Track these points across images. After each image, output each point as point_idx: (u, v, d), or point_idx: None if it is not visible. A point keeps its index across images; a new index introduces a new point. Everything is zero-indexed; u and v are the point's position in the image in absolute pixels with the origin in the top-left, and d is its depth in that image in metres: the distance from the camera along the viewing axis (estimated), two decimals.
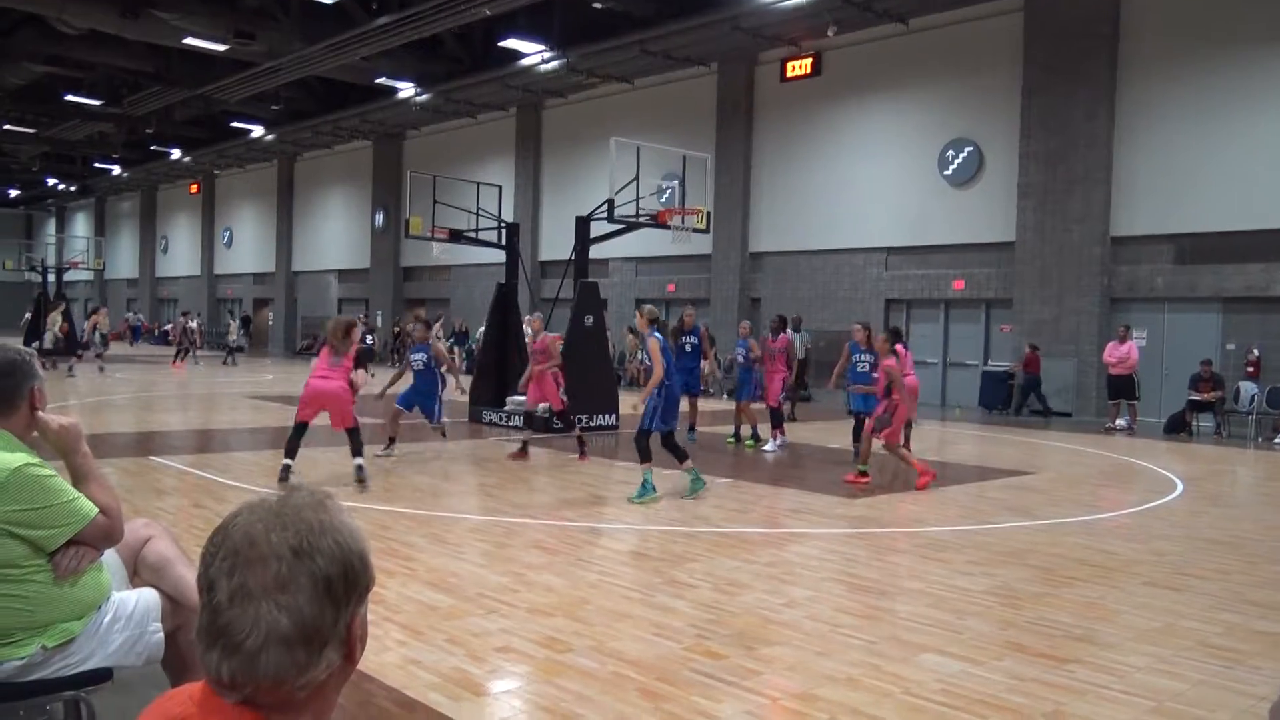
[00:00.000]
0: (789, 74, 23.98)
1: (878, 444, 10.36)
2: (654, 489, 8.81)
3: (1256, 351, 16.90)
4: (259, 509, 1.23)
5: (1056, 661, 4.73)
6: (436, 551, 6.69)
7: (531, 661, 4.56)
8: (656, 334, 9.02)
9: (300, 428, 9.22)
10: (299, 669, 1.16)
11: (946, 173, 21.16)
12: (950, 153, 21.07)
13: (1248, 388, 16.68)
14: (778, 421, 13.07)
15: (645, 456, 8.88)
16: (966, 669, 4.58)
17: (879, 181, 22.28)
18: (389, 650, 4.59)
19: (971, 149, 20.74)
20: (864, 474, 10.18)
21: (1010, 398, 19.53)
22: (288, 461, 9.19)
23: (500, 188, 19.67)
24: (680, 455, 9.04)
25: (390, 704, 3.93)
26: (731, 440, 13.62)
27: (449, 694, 4.09)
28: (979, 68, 20.62)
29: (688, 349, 13.15)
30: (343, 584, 1.19)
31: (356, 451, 9.16)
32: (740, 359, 13.54)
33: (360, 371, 9.91)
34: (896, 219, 21.96)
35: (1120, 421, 16.95)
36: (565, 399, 11.88)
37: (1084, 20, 18.79)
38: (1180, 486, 10.72)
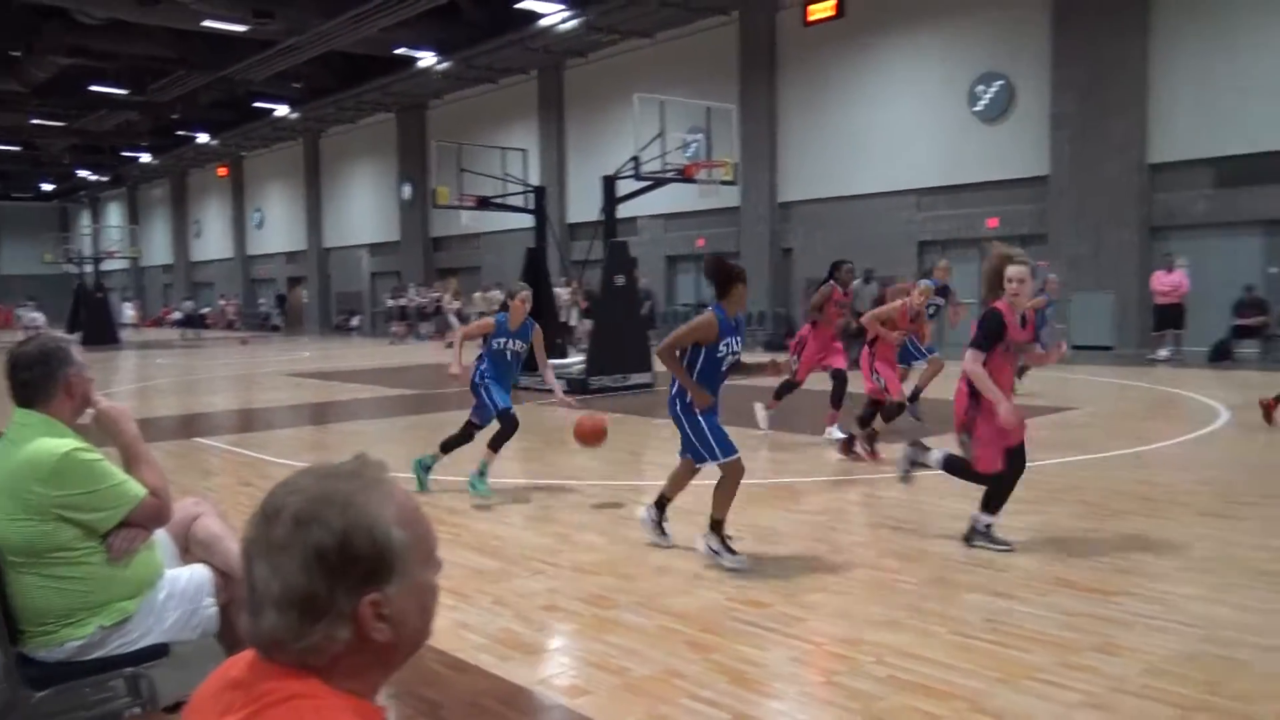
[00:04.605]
0: (811, 17, 23.58)
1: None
2: None
3: None
4: (305, 473, 1.28)
5: (1105, 595, 4.71)
6: (480, 517, 6.77)
7: (578, 619, 4.61)
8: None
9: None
10: (293, 634, 1.20)
11: (976, 109, 20.77)
12: (980, 88, 20.67)
13: None
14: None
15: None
16: (1013, 606, 4.57)
17: (907, 122, 21.92)
18: (439, 615, 4.65)
19: (1002, 83, 20.32)
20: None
21: None
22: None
23: (525, 152, 19.62)
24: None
25: (441, 666, 3.99)
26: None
27: (498, 654, 4.15)
28: None
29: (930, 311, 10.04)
30: (337, 558, 1.19)
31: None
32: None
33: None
34: (927, 159, 21.62)
35: (1163, 352, 16.70)
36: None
37: None
38: (1227, 414, 10.56)
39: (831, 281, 9.56)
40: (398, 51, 28.03)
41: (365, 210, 39.99)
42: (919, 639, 4.18)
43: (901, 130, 22.03)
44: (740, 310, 5.51)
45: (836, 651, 4.11)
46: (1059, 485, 7.23)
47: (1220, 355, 16.47)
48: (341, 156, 41.12)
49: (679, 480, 5.75)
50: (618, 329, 14.49)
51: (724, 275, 5.47)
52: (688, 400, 5.41)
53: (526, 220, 17.80)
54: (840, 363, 9.62)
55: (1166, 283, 16.68)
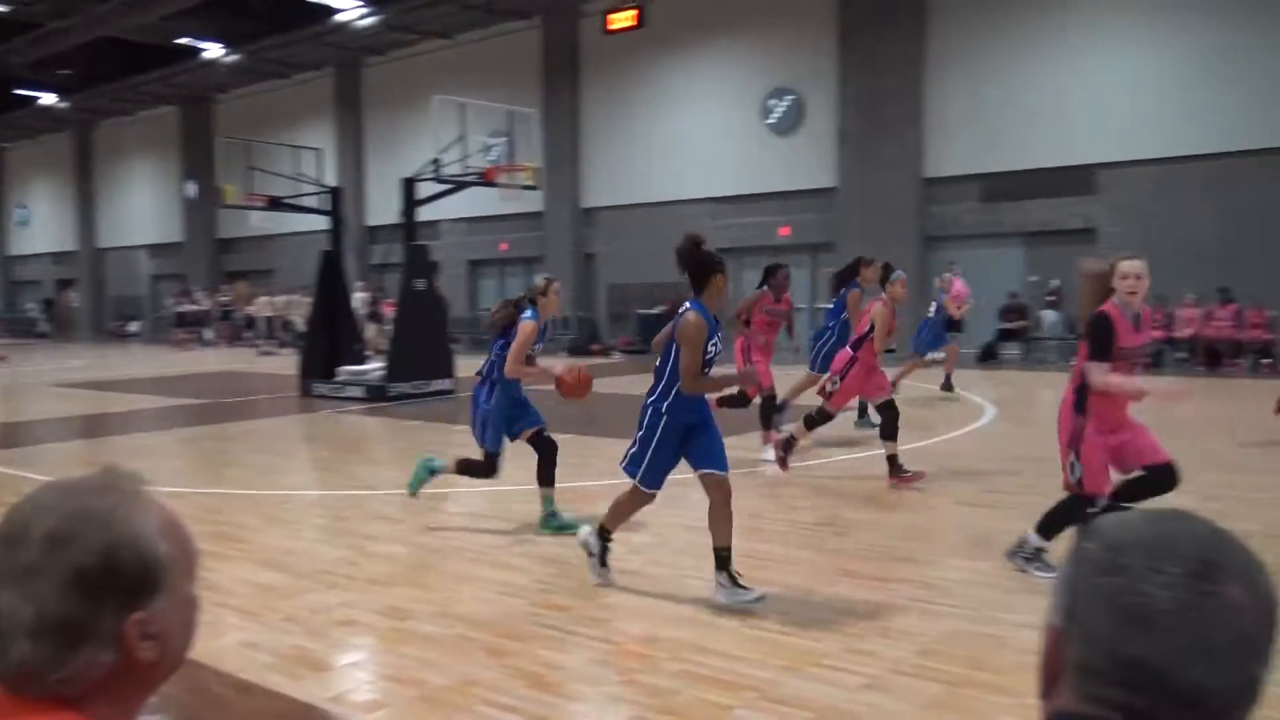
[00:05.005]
0: (612, 26, 23.92)
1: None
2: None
3: (1057, 282, 18.13)
4: (51, 490, 1.19)
5: (883, 582, 5.02)
6: (271, 531, 6.49)
7: (374, 632, 4.50)
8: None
9: None
10: (49, 663, 1.11)
11: (769, 121, 21.66)
12: (772, 101, 21.56)
13: (1049, 316, 17.94)
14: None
15: None
16: (801, 598, 4.80)
17: (705, 132, 22.60)
18: (223, 635, 4.43)
19: (793, 98, 21.27)
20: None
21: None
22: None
23: (320, 151, 18.95)
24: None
25: (225, 689, 3.80)
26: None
27: (288, 673, 3.99)
28: (798, 15, 21.10)
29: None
30: (102, 577, 1.12)
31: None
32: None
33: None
34: (723, 169, 22.37)
35: (936, 354, 17.90)
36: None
37: None
38: (993, 411, 11.46)
39: (764, 288, 8.77)
40: (180, 41, 26.49)
41: (145, 208, 37.49)
42: (712, 633, 4.32)
43: (700, 140, 22.69)
44: (721, 299, 4.81)
45: (635, 650, 4.20)
46: (840, 480, 7.64)
47: (988, 356, 17.88)
48: (118, 150, 38.39)
49: (718, 512, 4.95)
50: (418, 335, 14.21)
51: (699, 265, 4.74)
52: (663, 408, 4.81)
53: (324, 222, 17.18)
54: (768, 380, 8.80)
55: (951, 290, 17.92)
